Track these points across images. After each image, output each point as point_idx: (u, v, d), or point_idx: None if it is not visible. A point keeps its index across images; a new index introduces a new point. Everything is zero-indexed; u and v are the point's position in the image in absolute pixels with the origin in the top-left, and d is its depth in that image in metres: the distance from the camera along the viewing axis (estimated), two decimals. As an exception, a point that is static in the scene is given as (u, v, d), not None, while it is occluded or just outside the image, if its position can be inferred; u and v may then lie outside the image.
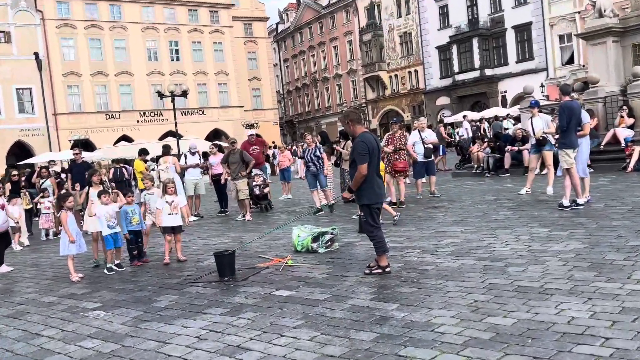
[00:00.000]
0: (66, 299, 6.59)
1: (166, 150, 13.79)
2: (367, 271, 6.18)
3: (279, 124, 58.03)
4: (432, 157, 12.86)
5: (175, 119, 27.78)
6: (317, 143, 12.90)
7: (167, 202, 8.37)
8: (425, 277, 5.83)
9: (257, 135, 15.44)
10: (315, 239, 7.82)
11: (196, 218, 13.49)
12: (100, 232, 8.19)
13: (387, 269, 6.12)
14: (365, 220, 6.24)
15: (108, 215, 8.02)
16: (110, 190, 9.11)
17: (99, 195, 8.27)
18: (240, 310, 5.35)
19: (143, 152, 14.26)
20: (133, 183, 20.48)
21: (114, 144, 40.05)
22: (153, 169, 17.32)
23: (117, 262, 8.08)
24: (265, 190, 13.67)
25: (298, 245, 7.92)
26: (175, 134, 29.59)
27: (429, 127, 16.06)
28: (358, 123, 6.30)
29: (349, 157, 7.30)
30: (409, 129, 20.72)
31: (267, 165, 16.96)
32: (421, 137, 12.53)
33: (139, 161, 13.78)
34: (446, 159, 20.95)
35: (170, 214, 8.36)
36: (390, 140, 11.81)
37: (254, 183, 13.54)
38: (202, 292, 6.23)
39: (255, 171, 13.58)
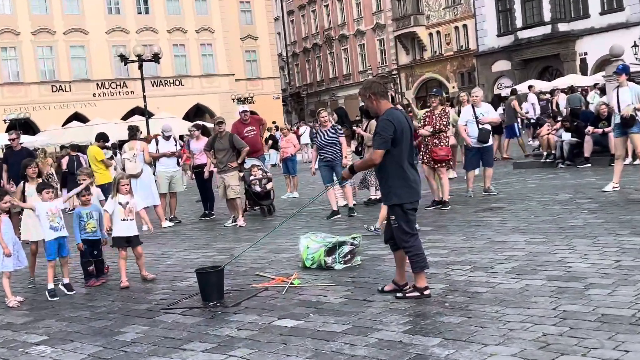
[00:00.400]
0: (1, 331, 6.66)
1: (133, 132, 13.85)
2: (399, 294, 6.20)
3: (282, 98, 58.18)
4: (490, 142, 12.73)
5: (143, 91, 27.96)
6: (334, 123, 12.78)
7: (120, 203, 8.35)
8: (477, 302, 5.82)
9: (252, 113, 15.25)
10: (330, 251, 7.83)
11: (171, 223, 13.58)
12: (38, 242, 8.26)
13: (426, 292, 6.13)
14: (397, 226, 6.24)
15: (50, 213, 8.02)
16: (56, 186, 9.19)
17: (39, 190, 8.30)
18: (230, 346, 5.37)
19: (102, 137, 14.32)
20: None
21: (63, 125, 40.42)
22: (112, 157, 17.43)
23: (65, 281, 8.10)
24: (269, 187, 13.64)
25: (307, 260, 7.95)
26: (143, 112, 29.79)
27: (496, 100, 16.20)
28: (383, 97, 6.30)
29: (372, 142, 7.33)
30: (456, 104, 20.70)
31: (271, 153, 16.88)
32: (475, 114, 12.43)
33: (96, 148, 13.84)
34: (509, 143, 20.83)
35: (124, 219, 8.32)
36: (428, 120, 11.78)
37: (252, 177, 13.56)
38: (180, 322, 6.26)
39: (251, 161, 13.63)
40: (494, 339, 4.87)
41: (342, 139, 12.25)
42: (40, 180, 9.07)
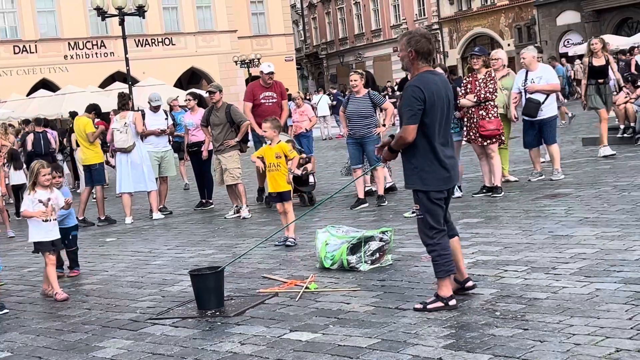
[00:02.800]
0: (-45, 345, 6.75)
1: (124, 100, 14.05)
2: (418, 306, 6.22)
3: (295, 60, 58.08)
4: (549, 114, 12.56)
5: (125, 53, 28.01)
6: (370, 90, 12.38)
7: (40, 201, 8.11)
8: (535, 311, 5.83)
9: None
10: (355, 248, 7.86)
11: (162, 216, 13.65)
12: None
13: (452, 302, 6.13)
14: (421, 218, 6.25)
15: None
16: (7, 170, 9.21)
17: None
18: (232, 364, 5.42)
19: (95, 109, 14.41)
20: (61, 157, 20.87)
21: (27, 95, 40.60)
22: None
23: None
24: (309, 168, 13.15)
25: (326, 259, 7.98)
26: (126, 79, 29.90)
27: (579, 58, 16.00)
28: (424, 57, 6.25)
29: None
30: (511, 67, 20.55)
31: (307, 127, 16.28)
32: (525, 80, 12.35)
33: (87, 118, 13.94)
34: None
35: (47, 220, 8.12)
36: (470, 87, 11.75)
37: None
38: (170, 335, 6.31)
39: (283, 137, 13.03)
40: (555, 356, 4.87)
41: (388, 104, 12.17)
42: None
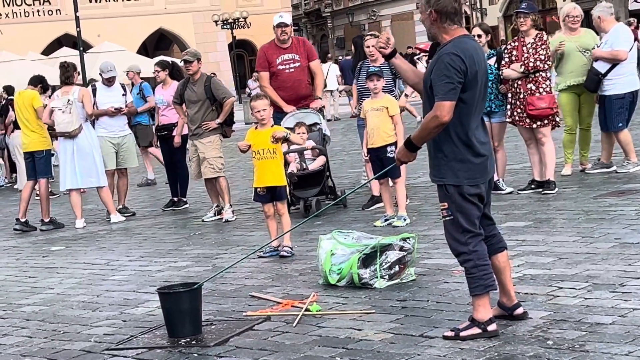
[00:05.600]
0: None
1: (68, 73, 13.90)
2: (449, 333, 6.24)
3: (292, 20, 58.05)
4: (609, 92, 12.50)
5: (75, 10, 28.03)
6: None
7: None
8: (597, 340, 5.84)
9: (295, 30, 14.07)
10: (368, 260, 7.89)
11: (122, 218, 13.63)
12: None
13: (490, 327, 6.15)
14: (451, 219, 6.26)
15: None
16: None
17: None
18: (212, 407, 5.45)
19: (41, 81, 14.41)
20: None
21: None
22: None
23: None
24: (313, 166, 12.39)
25: (332, 274, 7.99)
26: (76, 43, 29.93)
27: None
28: (449, 18, 6.27)
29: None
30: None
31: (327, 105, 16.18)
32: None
33: (34, 92, 14.01)
34: None
35: None
36: (516, 53, 11.74)
37: (293, 146, 11.82)
38: (134, 370, 6.35)
39: (295, 116, 12.56)
40: (624, 397, 4.90)
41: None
42: None
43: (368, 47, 12.13)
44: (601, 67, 12.20)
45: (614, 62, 12.27)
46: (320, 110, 12.66)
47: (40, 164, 13.89)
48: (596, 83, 12.21)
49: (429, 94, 6.19)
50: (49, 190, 14.21)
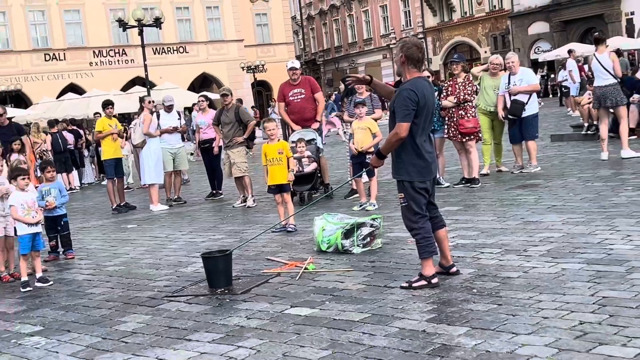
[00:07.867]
0: (-7, 320, 6.76)
1: (140, 102, 14.12)
2: (404, 284, 6.27)
3: (296, 66, 57.88)
4: (531, 112, 12.33)
5: (144, 60, 27.96)
6: (372, 93, 11.89)
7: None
8: (508, 289, 5.85)
9: (302, 73, 13.44)
10: (348, 233, 7.88)
11: (165, 207, 13.57)
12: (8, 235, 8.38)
13: (434, 280, 6.19)
14: (405, 205, 6.31)
15: (26, 206, 7.99)
16: (39, 168, 9.25)
17: (13, 176, 8.11)
18: (239, 336, 5.44)
19: (108, 105, 14.27)
20: (86, 153, 20.86)
21: (57, 98, 40.53)
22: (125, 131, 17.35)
23: (38, 275, 8.00)
24: (308, 169, 12.23)
25: (322, 243, 7.99)
26: (144, 83, 29.84)
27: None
28: (415, 65, 6.30)
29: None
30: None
31: (337, 123, 15.73)
32: (508, 83, 12.25)
33: (99, 121, 14.17)
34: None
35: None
36: (450, 89, 11.76)
37: (297, 154, 11.85)
38: (184, 310, 6.33)
39: (298, 134, 12.43)
40: (526, 328, 4.89)
41: (379, 112, 11.82)
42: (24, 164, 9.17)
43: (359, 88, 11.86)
44: (522, 98, 12.17)
45: (532, 93, 12.31)
46: (318, 129, 12.62)
47: (107, 168, 13.94)
48: (520, 110, 12.17)
49: (392, 116, 6.29)
50: (126, 185, 14.20)
